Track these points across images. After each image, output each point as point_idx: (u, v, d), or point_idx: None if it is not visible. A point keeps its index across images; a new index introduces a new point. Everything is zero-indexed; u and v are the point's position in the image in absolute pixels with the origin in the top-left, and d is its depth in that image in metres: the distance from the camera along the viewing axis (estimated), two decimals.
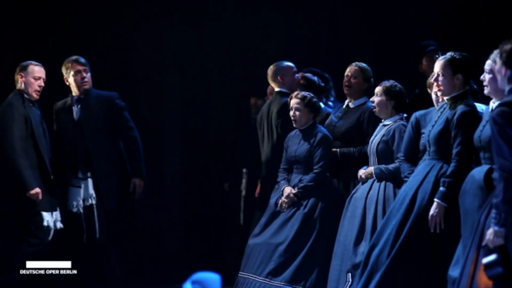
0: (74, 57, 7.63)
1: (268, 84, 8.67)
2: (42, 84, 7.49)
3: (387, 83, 6.89)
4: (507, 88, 4.67)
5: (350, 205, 6.91)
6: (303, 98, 7.28)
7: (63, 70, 7.67)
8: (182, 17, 9.62)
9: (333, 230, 7.07)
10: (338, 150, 7.29)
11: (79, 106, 7.63)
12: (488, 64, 5.17)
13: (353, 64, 7.38)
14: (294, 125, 7.40)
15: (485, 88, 5.19)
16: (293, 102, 7.31)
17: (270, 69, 7.84)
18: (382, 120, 6.94)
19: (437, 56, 7.67)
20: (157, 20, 9.52)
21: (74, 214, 7.58)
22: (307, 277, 7.08)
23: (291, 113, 7.32)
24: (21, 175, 7.23)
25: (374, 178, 6.81)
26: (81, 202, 7.55)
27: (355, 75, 7.32)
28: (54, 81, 9.04)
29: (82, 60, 7.62)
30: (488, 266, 4.40)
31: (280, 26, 9.69)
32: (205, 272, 4.25)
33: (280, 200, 7.28)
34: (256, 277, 7.15)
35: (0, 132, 7.35)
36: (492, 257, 4.39)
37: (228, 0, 9.65)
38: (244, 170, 9.32)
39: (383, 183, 6.74)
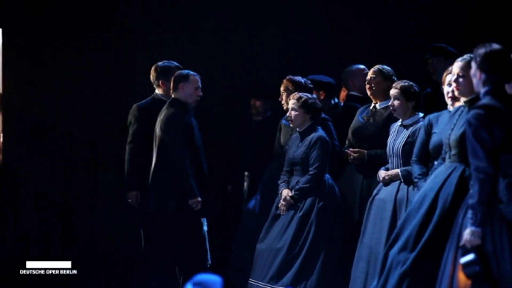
0: (171, 63, 7.83)
1: (269, 84, 8.95)
2: (201, 93, 7.69)
3: (403, 84, 6.95)
4: (482, 91, 4.94)
5: (374, 207, 6.92)
6: (298, 99, 7.42)
7: (162, 73, 7.80)
8: (183, 20, 9.75)
9: (332, 230, 7.24)
10: (365, 152, 7.42)
11: None
12: None
13: (373, 67, 7.55)
14: (290, 125, 7.57)
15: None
16: (290, 102, 7.45)
17: (343, 73, 8.13)
18: (401, 121, 6.99)
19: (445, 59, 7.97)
20: (157, 24, 9.66)
21: None
22: (307, 280, 7.20)
23: (288, 113, 7.50)
24: (188, 184, 7.45)
25: (401, 180, 6.82)
26: None
27: (374, 76, 7.45)
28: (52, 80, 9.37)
29: (181, 66, 7.83)
30: (466, 265, 4.66)
31: (281, 27, 9.82)
32: (206, 274, 4.40)
33: (279, 203, 7.43)
34: (259, 283, 7.32)
35: (168, 142, 7.53)
36: (469, 256, 4.65)
37: (229, 3, 9.78)
38: (246, 173, 9.40)
39: (411, 186, 6.73)
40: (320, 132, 7.45)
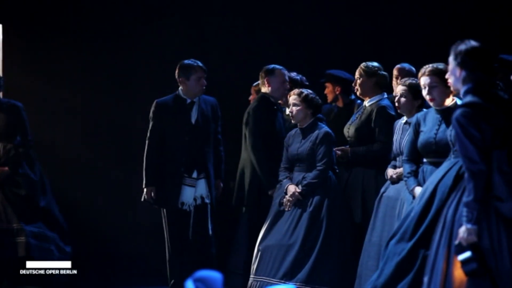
0: (195, 62, 7.95)
1: None
2: (288, 86, 7.97)
3: (411, 82, 6.96)
4: (462, 89, 4.94)
5: (382, 205, 6.98)
6: (299, 94, 7.58)
7: (182, 71, 7.94)
8: (183, 16, 9.86)
9: (342, 226, 7.37)
10: (349, 150, 7.59)
11: (194, 109, 8.00)
12: None
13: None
14: (292, 122, 7.71)
15: None
16: (291, 98, 7.61)
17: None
18: (406, 119, 7.02)
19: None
20: (158, 20, 9.77)
21: (181, 212, 7.92)
22: (323, 276, 7.29)
23: (289, 109, 7.64)
24: (265, 176, 7.85)
25: None
26: (192, 200, 7.92)
27: (358, 76, 7.62)
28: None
29: (204, 66, 8.00)
30: (464, 263, 4.71)
31: (281, 24, 9.92)
32: (207, 271, 4.41)
33: (284, 199, 7.52)
34: (271, 280, 7.33)
35: (251, 137, 7.90)
36: (466, 254, 4.71)
37: (231, 2, 9.92)
38: None
39: None
40: (326, 128, 7.60)
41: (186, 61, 7.99)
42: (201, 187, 7.97)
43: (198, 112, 8.01)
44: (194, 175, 7.96)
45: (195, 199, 7.94)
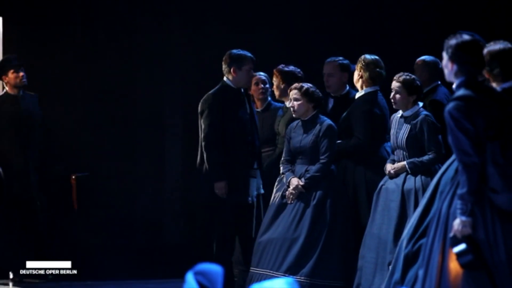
0: (246, 52, 7.87)
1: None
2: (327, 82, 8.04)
3: (405, 78, 7.01)
4: (455, 82, 5.01)
5: (381, 198, 7.07)
6: (300, 88, 7.59)
7: (235, 61, 7.86)
8: (183, 14, 9.99)
9: (345, 220, 7.43)
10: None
11: (246, 99, 7.96)
12: None
13: None
14: (294, 116, 7.70)
15: None
16: (292, 93, 7.61)
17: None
18: (401, 113, 7.12)
19: None
20: (158, 19, 9.89)
21: (246, 205, 7.83)
22: (327, 270, 7.34)
23: (290, 103, 7.64)
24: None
25: (409, 172, 6.98)
26: (255, 192, 7.83)
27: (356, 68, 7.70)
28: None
29: (254, 58, 7.92)
30: (459, 255, 4.78)
31: (280, 21, 10.08)
32: (207, 264, 4.40)
33: (287, 192, 7.53)
34: (274, 273, 7.33)
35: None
36: (461, 246, 4.77)
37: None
38: None
39: (418, 175, 6.96)
40: (329, 120, 7.64)
41: (236, 51, 7.90)
42: (258, 178, 7.93)
43: (249, 102, 8.01)
44: (255, 165, 7.92)
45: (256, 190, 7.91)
